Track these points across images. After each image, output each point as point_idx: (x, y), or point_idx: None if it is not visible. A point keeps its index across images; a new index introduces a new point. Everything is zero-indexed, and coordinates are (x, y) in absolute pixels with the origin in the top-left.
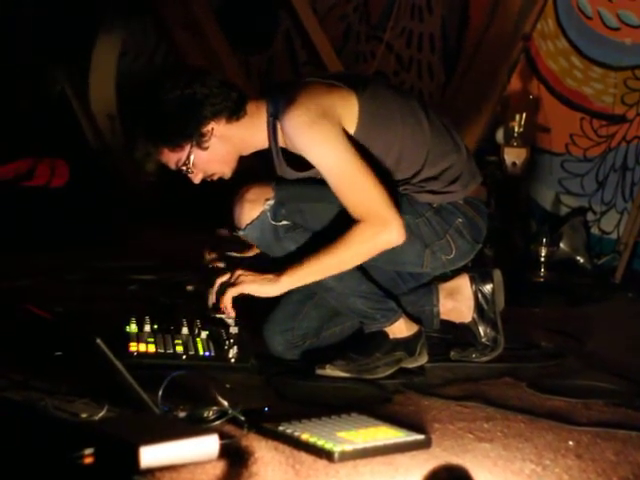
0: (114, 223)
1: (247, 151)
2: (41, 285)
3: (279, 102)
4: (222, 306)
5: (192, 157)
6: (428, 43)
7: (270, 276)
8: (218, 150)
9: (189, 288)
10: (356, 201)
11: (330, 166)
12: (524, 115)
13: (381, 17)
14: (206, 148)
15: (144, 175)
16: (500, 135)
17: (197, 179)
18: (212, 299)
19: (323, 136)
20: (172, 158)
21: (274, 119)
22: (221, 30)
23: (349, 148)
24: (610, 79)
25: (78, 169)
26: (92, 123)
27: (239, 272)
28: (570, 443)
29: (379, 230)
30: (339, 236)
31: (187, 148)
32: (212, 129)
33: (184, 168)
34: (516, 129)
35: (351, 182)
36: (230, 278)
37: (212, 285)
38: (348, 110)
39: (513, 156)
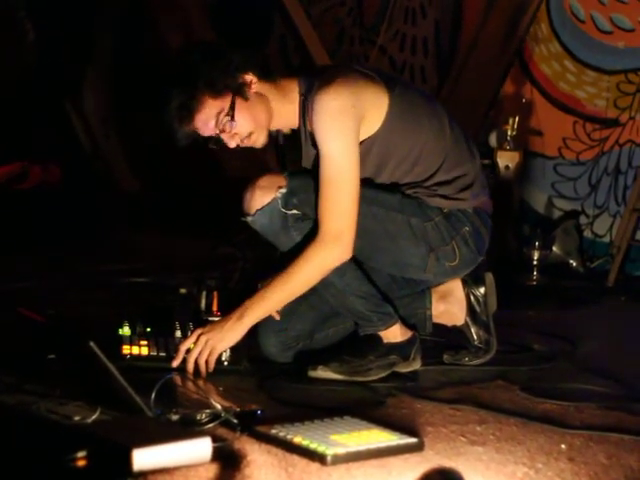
0: (107, 226)
1: (277, 123)
2: (34, 288)
3: (313, 83)
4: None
5: (235, 110)
6: (421, 46)
7: (233, 319)
8: (257, 106)
9: (182, 291)
10: (330, 201)
11: (328, 155)
12: (517, 119)
13: (375, 20)
14: (247, 98)
15: (176, 141)
16: (493, 138)
17: (233, 141)
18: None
19: (341, 129)
20: (214, 109)
21: (305, 99)
22: (215, 33)
23: (354, 151)
24: (603, 83)
25: (71, 172)
26: (86, 126)
27: (204, 338)
28: (563, 446)
29: (333, 246)
30: (293, 260)
31: (229, 96)
32: (251, 80)
33: (224, 123)
34: (509, 132)
35: (337, 182)
36: (198, 344)
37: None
38: (378, 107)
39: (506, 159)
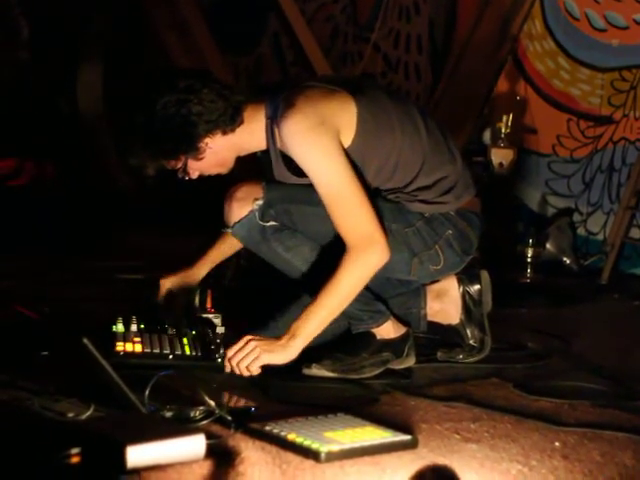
0: (102, 223)
1: (245, 153)
2: (27, 285)
3: (278, 105)
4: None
5: (188, 166)
6: (415, 44)
7: (284, 339)
8: (213, 159)
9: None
10: (342, 217)
11: (321, 178)
12: (511, 116)
13: (369, 18)
14: (201, 159)
15: (144, 177)
16: (487, 136)
17: (194, 177)
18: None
19: (318, 146)
20: (168, 165)
21: (272, 122)
22: (209, 31)
23: (343, 161)
24: (597, 80)
25: (65, 169)
26: (79, 123)
27: (253, 343)
28: (557, 444)
29: (368, 254)
30: (330, 275)
31: (182, 159)
32: (207, 143)
33: (180, 174)
34: (503, 130)
35: (339, 197)
36: (245, 347)
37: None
38: (347, 118)
39: (500, 157)
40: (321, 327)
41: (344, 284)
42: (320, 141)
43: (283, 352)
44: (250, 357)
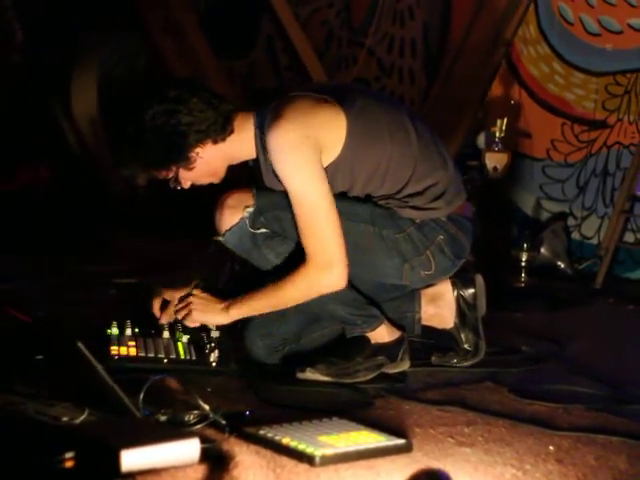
0: (96, 227)
1: (236, 162)
2: (22, 288)
3: (266, 115)
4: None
5: (179, 176)
6: (409, 48)
7: (220, 306)
8: (204, 168)
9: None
10: (309, 234)
11: (296, 193)
12: (505, 120)
13: (363, 22)
14: (192, 168)
15: (135, 187)
16: (481, 140)
17: (185, 186)
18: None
19: (299, 162)
20: (160, 176)
21: (261, 132)
22: (204, 35)
23: (320, 180)
24: (591, 85)
25: (61, 173)
26: (74, 126)
27: (191, 299)
28: (551, 448)
29: (322, 274)
30: (286, 274)
31: (173, 169)
32: (197, 153)
33: (172, 184)
34: (497, 134)
35: (310, 215)
36: (184, 301)
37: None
38: (335, 129)
39: (494, 161)
40: (254, 313)
41: (287, 292)
42: (302, 157)
43: (214, 316)
44: (184, 311)
